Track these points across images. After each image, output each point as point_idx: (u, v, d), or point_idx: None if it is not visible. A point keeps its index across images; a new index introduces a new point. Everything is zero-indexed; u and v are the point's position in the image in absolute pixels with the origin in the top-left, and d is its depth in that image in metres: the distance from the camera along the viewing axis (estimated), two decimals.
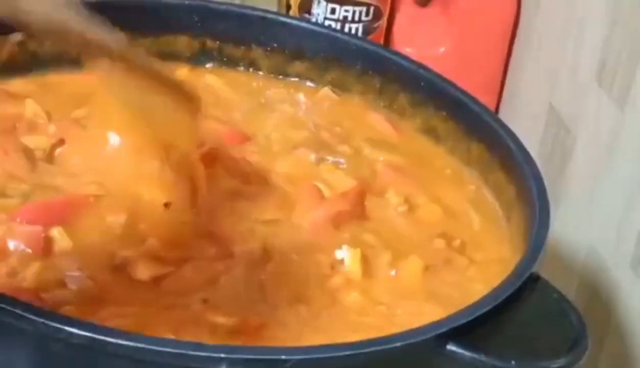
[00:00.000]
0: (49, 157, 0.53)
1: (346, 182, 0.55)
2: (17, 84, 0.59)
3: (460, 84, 0.61)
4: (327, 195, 0.54)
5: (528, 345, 0.44)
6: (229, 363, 0.40)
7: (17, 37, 0.59)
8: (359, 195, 0.55)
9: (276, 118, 0.62)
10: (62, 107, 0.58)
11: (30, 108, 0.56)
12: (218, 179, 0.55)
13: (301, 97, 0.64)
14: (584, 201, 0.66)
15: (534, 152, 0.59)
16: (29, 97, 0.57)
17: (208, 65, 0.64)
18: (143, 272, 0.47)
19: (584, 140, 0.67)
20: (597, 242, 0.64)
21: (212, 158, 0.55)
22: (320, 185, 0.55)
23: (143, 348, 0.39)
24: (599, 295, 0.63)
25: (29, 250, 0.47)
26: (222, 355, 0.40)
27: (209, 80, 0.64)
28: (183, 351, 0.40)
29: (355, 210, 0.54)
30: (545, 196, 0.51)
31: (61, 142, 0.54)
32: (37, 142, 0.54)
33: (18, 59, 0.60)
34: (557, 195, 0.68)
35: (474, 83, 0.66)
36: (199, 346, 0.40)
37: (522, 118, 0.77)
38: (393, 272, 0.50)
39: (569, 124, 0.69)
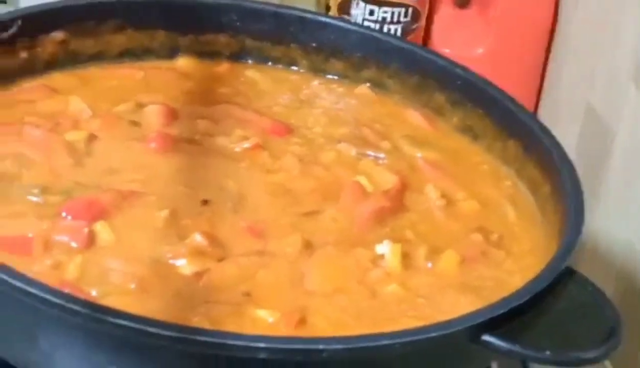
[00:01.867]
0: (88, 149, 0.54)
1: (387, 178, 0.56)
2: (58, 79, 0.60)
3: (499, 83, 0.61)
4: (369, 190, 0.55)
5: (563, 337, 0.44)
6: (269, 353, 0.40)
7: (59, 35, 0.60)
8: (400, 191, 0.55)
9: (317, 113, 0.62)
10: (104, 101, 0.59)
11: (75, 104, 0.57)
12: (261, 171, 0.56)
13: (340, 93, 0.65)
14: (622, 198, 0.66)
15: (571, 151, 0.59)
16: (71, 92, 0.59)
17: (248, 63, 0.66)
18: (185, 267, 0.48)
19: (622, 139, 0.67)
20: (635, 237, 0.64)
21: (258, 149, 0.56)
22: (363, 180, 0.55)
23: (183, 338, 0.40)
24: (637, 290, 0.63)
25: (73, 244, 0.48)
26: (262, 345, 0.40)
27: (250, 75, 0.64)
28: (223, 341, 0.40)
29: (396, 205, 0.54)
30: (580, 194, 0.51)
31: (95, 136, 0.55)
32: (78, 135, 0.55)
33: (60, 56, 0.61)
34: (595, 192, 0.68)
35: (512, 84, 0.66)
36: (239, 336, 0.41)
37: (560, 117, 0.77)
38: (430, 265, 0.51)
39: (607, 123, 0.69)
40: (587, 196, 0.52)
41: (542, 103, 0.82)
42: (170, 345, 0.40)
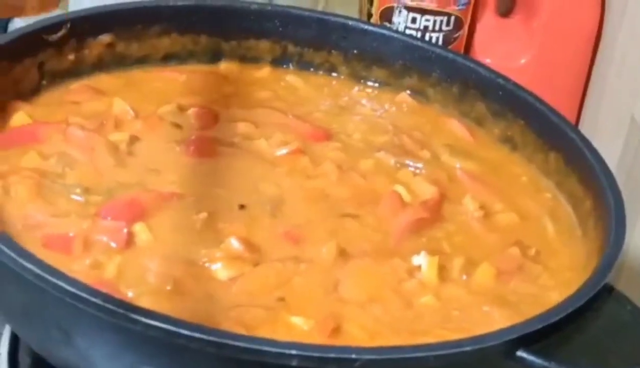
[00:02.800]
0: (130, 150, 0.55)
1: (426, 188, 0.56)
2: (104, 80, 0.61)
3: (541, 95, 0.61)
4: (407, 200, 0.55)
5: (599, 355, 0.43)
6: (300, 360, 0.40)
7: (106, 38, 0.61)
8: (438, 202, 0.55)
9: (357, 120, 0.63)
10: (147, 103, 0.59)
11: (118, 106, 0.58)
12: (299, 176, 0.56)
13: (380, 101, 0.65)
14: None
15: (614, 165, 0.59)
16: (115, 93, 0.59)
17: (289, 68, 0.66)
18: (221, 271, 0.48)
19: None
20: None
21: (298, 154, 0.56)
22: (401, 190, 0.55)
23: (216, 341, 0.40)
24: None
25: (112, 244, 0.48)
26: (294, 352, 0.40)
27: (290, 80, 0.65)
28: (256, 346, 0.40)
29: (433, 216, 0.54)
30: (622, 209, 0.51)
31: (137, 137, 0.56)
32: (121, 136, 0.56)
33: (105, 58, 0.61)
34: (636, 209, 0.67)
35: (554, 94, 0.66)
36: (271, 342, 0.41)
37: (603, 130, 0.76)
38: (465, 277, 0.50)
39: None
40: (627, 212, 0.51)
41: (584, 115, 0.81)
42: (202, 348, 0.40)
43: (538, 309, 0.45)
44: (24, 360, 0.52)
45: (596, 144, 0.57)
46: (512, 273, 0.51)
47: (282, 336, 0.44)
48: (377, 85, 0.66)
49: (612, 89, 0.76)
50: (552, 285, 0.51)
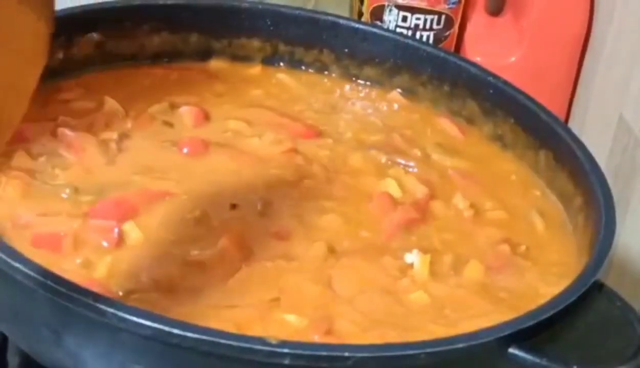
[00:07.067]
0: (121, 149, 0.55)
1: (417, 187, 0.56)
2: (93, 79, 0.60)
3: (530, 93, 0.61)
4: (398, 198, 0.55)
5: (590, 351, 0.43)
6: (293, 358, 0.40)
7: (95, 36, 0.61)
8: (428, 201, 0.55)
9: (348, 118, 0.63)
10: (138, 101, 0.59)
11: (108, 104, 0.58)
12: (291, 175, 0.56)
13: (372, 99, 0.65)
14: None
15: (602, 162, 0.59)
16: (105, 92, 0.59)
17: (280, 66, 0.66)
18: (212, 271, 0.48)
19: None
20: None
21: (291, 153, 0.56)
22: (392, 189, 0.55)
23: (207, 340, 0.40)
24: None
25: (104, 243, 0.48)
26: (286, 351, 0.40)
27: (282, 78, 0.65)
28: (247, 345, 0.40)
29: (424, 215, 0.54)
30: (612, 206, 0.51)
31: (128, 136, 0.56)
32: (111, 135, 0.55)
33: (95, 56, 0.61)
34: (625, 206, 0.68)
35: (543, 93, 0.66)
36: (263, 341, 0.41)
37: (592, 128, 0.76)
38: (455, 274, 0.50)
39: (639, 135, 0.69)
40: (616, 209, 0.51)
41: (573, 113, 0.81)
42: (193, 346, 0.40)
43: (528, 306, 0.45)
44: (13, 360, 0.52)
45: (585, 141, 0.57)
46: (501, 270, 0.51)
47: (275, 335, 0.44)
48: (368, 83, 0.66)
49: (601, 87, 0.76)
50: (542, 282, 0.51)
